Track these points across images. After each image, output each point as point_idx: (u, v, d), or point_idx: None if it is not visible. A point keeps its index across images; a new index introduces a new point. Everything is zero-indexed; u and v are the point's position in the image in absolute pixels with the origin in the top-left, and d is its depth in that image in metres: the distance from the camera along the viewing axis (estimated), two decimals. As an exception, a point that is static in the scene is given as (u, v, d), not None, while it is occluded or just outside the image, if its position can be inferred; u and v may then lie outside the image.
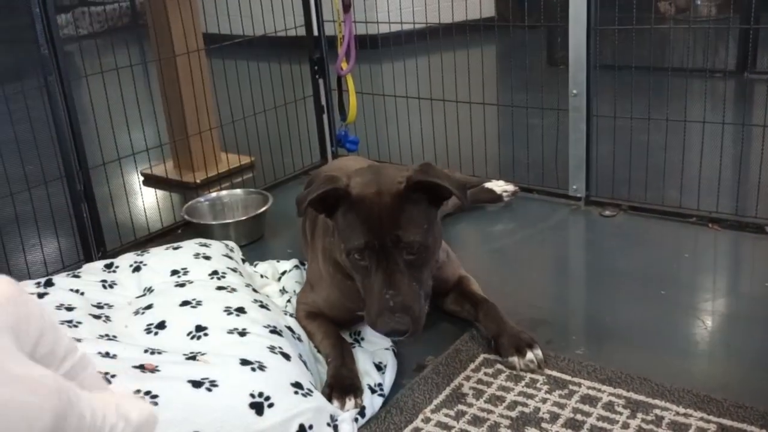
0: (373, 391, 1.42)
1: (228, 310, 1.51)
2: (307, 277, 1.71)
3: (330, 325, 1.57)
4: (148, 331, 1.48)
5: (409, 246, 1.35)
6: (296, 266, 1.92)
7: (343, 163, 2.12)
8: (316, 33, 2.67)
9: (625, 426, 1.28)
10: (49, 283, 1.67)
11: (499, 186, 2.33)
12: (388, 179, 1.40)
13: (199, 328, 1.44)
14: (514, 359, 1.47)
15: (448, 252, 1.69)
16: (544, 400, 1.37)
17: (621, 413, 1.32)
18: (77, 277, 1.73)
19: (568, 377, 1.43)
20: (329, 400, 1.35)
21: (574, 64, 2.17)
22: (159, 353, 1.37)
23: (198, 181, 2.70)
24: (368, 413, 1.37)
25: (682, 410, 1.31)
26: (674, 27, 3.74)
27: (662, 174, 2.20)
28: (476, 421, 1.33)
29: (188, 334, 1.44)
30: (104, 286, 1.70)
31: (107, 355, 1.33)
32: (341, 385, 1.39)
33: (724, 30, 3.53)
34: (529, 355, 1.46)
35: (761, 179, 2.02)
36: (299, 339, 1.53)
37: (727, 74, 3.29)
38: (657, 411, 1.32)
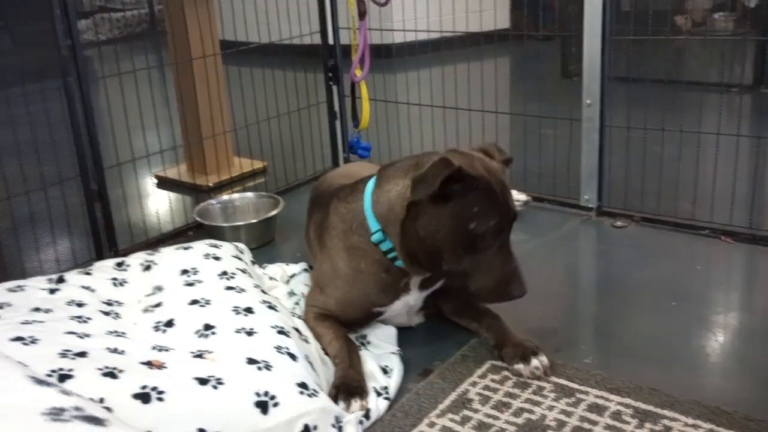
0: (378, 394, 1.41)
1: (236, 310, 1.51)
2: (314, 280, 1.70)
3: (339, 327, 1.57)
4: (157, 328, 1.49)
5: (515, 220, 1.47)
6: (305, 270, 1.92)
7: (350, 169, 2.12)
8: (330, 41, 2.69)
9: (633, 436, 1.27)
10: (60, 280, 1.69)
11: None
12: (479, 161, 1.46)
13: (207, 327, 1.45)
14: (520, 367, 1.46)
15: None
16: (550, 408, 1.36)
17: (629, 423, 1.30)
18: (89, 274, 1.74)
19: (575, 385, 1.42)
20: (335, 401, 1.35)
21: (588, 73, 2.16)
22: (166, 350, 1.38)
23: (211, 184, 2.72)
24: (373, 416, 1.36)
25: (690, 421, 1.29)
26: (690, 38, 3.72)
27: (675, 186, 2.19)
28: (482, 426, 1.32)
29: (196, 333, 1.44)
30: (115, 284, 1.71)
31: (115, 351, 1.34)
32: (348, 386, 1.39)
33: (740, 45, 3.52)
34: (535, 362, 1.46)
35: (776, 193, 2.00)
36: (306, 340, 1.53)
37: (743, 88, 3.27)
38: (665, 421, 1.30)
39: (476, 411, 1.37)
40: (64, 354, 1.26)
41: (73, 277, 1.71)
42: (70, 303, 1.57)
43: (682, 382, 1.43)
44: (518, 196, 2.33)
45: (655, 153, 2.26)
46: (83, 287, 1.66)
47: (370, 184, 1.56)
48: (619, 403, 1.36)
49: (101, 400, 1.16)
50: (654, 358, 1.53)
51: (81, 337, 1.37)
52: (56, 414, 0.90)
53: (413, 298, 1.59)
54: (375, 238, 1.50)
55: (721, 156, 2.08)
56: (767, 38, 2.89)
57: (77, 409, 0.92)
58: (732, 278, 1.93)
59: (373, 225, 1.50)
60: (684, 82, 2.71)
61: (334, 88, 2.73)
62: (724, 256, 2.00)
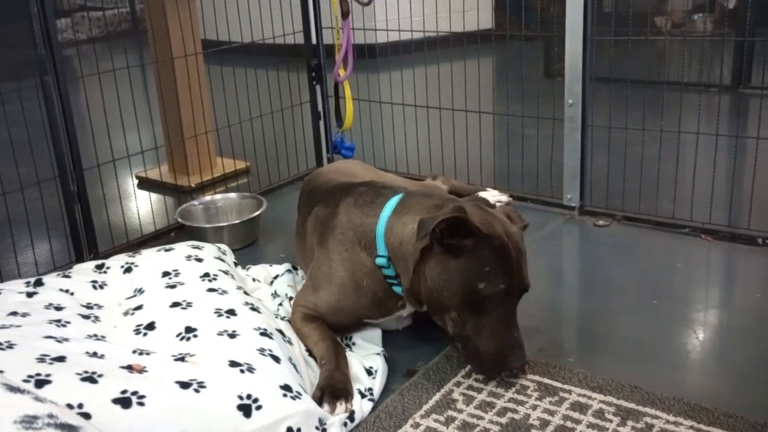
0: (363, 396, 1.41)
1: (218, 312, 1.50)
2: (309, 280, 1.64)
3: (326, 329, 1.56)
4: (137, 331, 1.47)
5: (526, 292, 1.44)
6: (288, 270, 1.91)
7: (344, 165, 2.10)
8: (314, 40, 2.68)
9: (615, 434, 1.28)
10: (38, 283, 1.66)
11: (492, 195, 2.34)
12: (500, 222, 1.43)
13: (189, 330, 1.44)
14: None
15: None
16: (534, 407, 1.37)
17: (611, 421, 1.31)
18: (67, 277, 1.72)
19: (558, 384, 1.43)
20: (320, 403, 1.34)
21: (570, 73, 2.18)
22: (147, 354, 1.36)
23: (193, 184, 2.70)
24: (357, 418, 1.36)
25: (672, 418, 1.31)
26: (670, 38, 3.76)
27: (656, 185, 2.21)
28: (466, 427, 1.32)
29: (177, 336, 1.43)
30: (94, 287, 1.69)
31: (95, 355, 1.32)
32: (333, 389, 1.38)
33: (719, 45, 3.56)
34: None
35: (754, 191, 2.03)
36: (290, 342, 1.52)
37: (722, 88, 3.31)
38: (647, 419, 1.31)
39: (460, 411, 1.37)
40: (41, 359, 1.24)
41: (52, 281, 1.68)
42: (48, 306, 1.54)
43: (664, 380, 1.44)
44: (500, 197, 2.34)
45: (636, 153, 2.28)
46: (62, 290, 1.63)
47: (390, 204, 1.51)
48: (602, 402, 1.37)
49: (80, 406, 1.14)
50: (635, 356, 1.55)
51: (59, 342, 1.35)
52: (29, 422, 0.88)
53: (407, 311, 1.58)
54: (379, 262, 1.48)
55: (700, 155, 2.10)
56: (745, 39, 2.93)
57: (51, 416, 0.91)
58: (711, 276, 1.96)
59: (381, 249, 1.48)
60: (664, 83, 2.74)
61: (318, 88, 2.72)
62: (704, 254, 2.02)
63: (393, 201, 1.52)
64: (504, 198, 2.33)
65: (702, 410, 1.32)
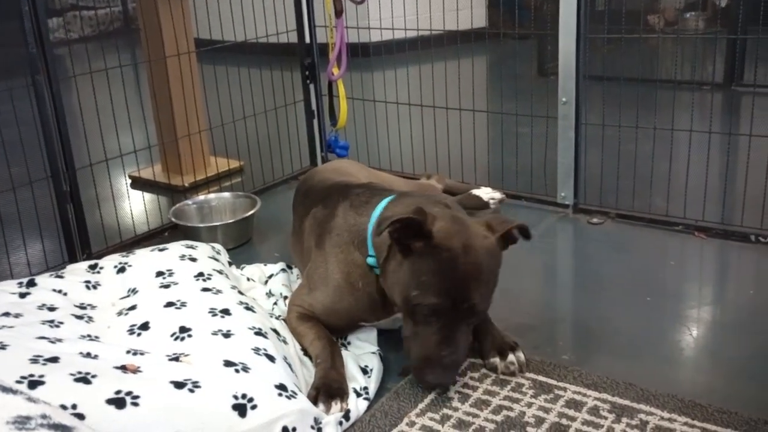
0: (358, 395, 1.40)
1: (213, 312, 1.49)
2: (306, 280, 1.64)
3: (322, 327, 1.56)
4: (131, 332, 1.47)
5: (478, 314, 1.36)
6: (283, 269, 1.90)
7: (340, 164, 2.10)
8: (307, 39, 2.67)
9: (610, 430, 1.28)
10: (31, 283, 1.65)
11: (486, 193, 2.33)
12: (472, 229, 1.36)
13: (183, 329, 1.43)
14: (495, 360, 1.46)
15: None
16: (529, 405, 1.37)
17: (606, 418, 1.32)
18: (60, 277, 1.71)
19: (553, 382, 1.43)
20: (315, 402, 1.34)
21: (564, 72, 2.18)
22: (141, 354, 1.35)
23: (186, 184, 2.69)
24: (353, 417, 1.35)
25: (666, 415, 1.31)
26: (662, 36, 3.78)
27: (649, 182, 2.22)
28: (461, 425, 1.32)
29: (172, 335, 1.42)
30: (88, 287, 1.68)
31: (89, 355, 1.31)
32: (329, 388, 1.38)
33: (711, 43, 3.58)
34: (511, 357, 1.46)
35: (747, 188, 2.04)
36: (285, 341, 1.51)
37: (714, 86, 3.33)
38: (642, 416, 1.32)
39: (456, 409, 1.37)
40: (35, 360, 1.24)
41: (45, 281, 1.67)
42: (41, 307, 1.53)
43: (658, 377, 1.45)
44: (493, 194, 2.34)
45: (630, 150, 2.29)
46: (55, 291, 1.63)
47: (382, 204, 1.51)
48: (597, 399, 1.37)
49: (74, 406, 1.13)
50: (630, 352, 1.55)
51: (53, 342, 1.34)
52: (22, 423, 0.88)
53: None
54: (369, 261, 1.47)
55: (693, 153, 2.11)
56: (738, 37, 2.94)
57: (44, 417, 0.90)
58: (705, 273, 1.97)
59: (371, 248, 1.47)
60: (657, 80, 2.75)
61: (311, 87, 2.71)
62: (697, 251, 2.03)
63: (385, 201, 1.52)
64: (498, 195, 2.33)
65: (696, 406, 1.32)
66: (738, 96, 3.38)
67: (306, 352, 1.53)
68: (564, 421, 1.31)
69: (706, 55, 3.58)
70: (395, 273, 1.38)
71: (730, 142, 2.14)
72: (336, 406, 1.35)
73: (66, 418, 0.96)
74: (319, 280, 1.58)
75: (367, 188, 1.63)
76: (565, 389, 1.40)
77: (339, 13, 2.43)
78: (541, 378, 1.44)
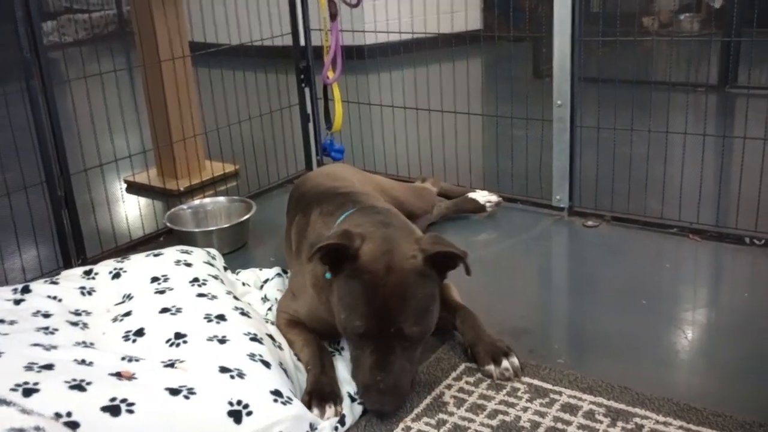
0: (353, 400, 1.40)
1: (208, 318, 1.49)
2: (290, 286, 1.69)
3: (310, 333, 1.56)
4: (126, 338, 1.46)
5: (410, 338, 1.32)
6: (278, 274, 1.90)
7: (333, 168, 2.10)
8: (302, 42, 2.67)
9: (606, 435, 1.28)
10: (26, 290, 1.64)
11: (482, 196, 2.34)
12: (400, 250, 1.33)
13: (178, 336, 1.43)
14: (490, 368, 1.46)
15: None
16: (525, 409, 1.37)
17: (601, 422, 1.32)
18: (55, 283, 1.70)
19: (549, 386, 1.43)
20: (309, 407, 1.34)
21: (559, 74, 2.19)
22: (137, 361, 1.35)
23: (181, 188, 2.69)
24: (348, 422, 1.35)
25: (662, 419, 1.31)
26: (657, 39, 3.79)
27: (644, 185, 2.22)
28: (457, 429, 1.32)
29: (167, 342, 1.42)
30: (83, 293, 1.67)
31: (83, 362, 1.31)
32: (321, 392, 1.38)
33: (706, 45, 3.59)
34: (505, 363, 1.46)
35: (741, 191, 2.04)
36: (280, 347, 1.51)
37: (708, 88, 3.34)
38: (637, 419, 1.32)
39: (451, 414, 1.37)
40: (29, 367, 1.23)
41: (39, 287, 1.66)
42: (36, 314, 1.53)
43: (653, 380, 1.45)
44: (489, 197, 2.34)
45: (625, 153, 2.30)
46: (50, 297, 1.62)
47: (341, 218, 1.52)
48: (592, 403, 1.37)
49: (68, 414, 1.13)
50: (625, 356, 1.55)
51: (47, 349, 1.34)
52: None
53: None
54: (327, 276, 1.43)
55: (688, 155, 2.12)
56: (732, 39, 2.95)
57: (37, 429, 0.90)
58: (700, 276, 1.97)
59: None
60: (652, 83, 2.76)
61: (307, 90, 2.71)
62: (692, 254, 2.04)
63: (345, 214, 1.53)
64: (494, 198, 2.34)
65: (691, 410, 1.33)
66: (732, 98, 3.39)
67: (299, 358, 1.53)
68: (559, 426, 1.32)
69: (701, 56, 3.60)
70: (331, 294, 1.40)
71: (724, 144, 2.15)
72: (330, 410, 1.35)
73: (59, 430, 0.96)
74: (298, 288, 1.61)
75: (341, 197, 1.62)
76: (560, 393, 1.41)
77: (334, 16, 2.43)
78: (536, 382, 1.44)
